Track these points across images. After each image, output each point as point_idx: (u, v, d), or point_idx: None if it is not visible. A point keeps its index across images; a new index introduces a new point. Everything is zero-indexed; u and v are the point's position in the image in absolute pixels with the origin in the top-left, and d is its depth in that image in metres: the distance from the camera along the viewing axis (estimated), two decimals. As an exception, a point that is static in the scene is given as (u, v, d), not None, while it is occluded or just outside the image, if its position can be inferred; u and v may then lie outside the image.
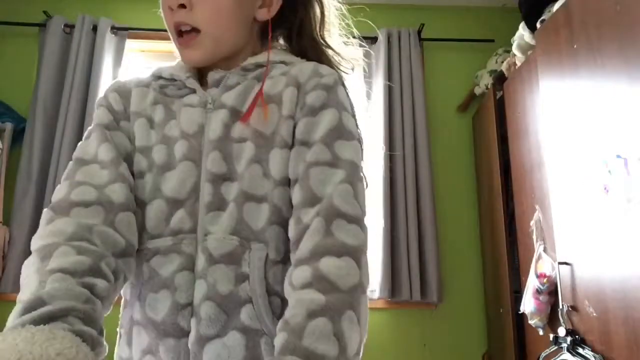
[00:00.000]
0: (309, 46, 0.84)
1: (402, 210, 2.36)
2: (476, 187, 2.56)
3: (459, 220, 2.53)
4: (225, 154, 0.72)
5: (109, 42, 2.52)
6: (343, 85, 0.77)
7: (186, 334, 0.67)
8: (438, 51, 2.70)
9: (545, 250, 1.77)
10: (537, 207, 1.85)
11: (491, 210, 2.33)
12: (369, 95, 2.58)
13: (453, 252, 2.48)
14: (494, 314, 2.30)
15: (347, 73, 0.85)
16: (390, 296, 2.26)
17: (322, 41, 0.85)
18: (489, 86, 2.40)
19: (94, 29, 2.53)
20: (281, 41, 0.88)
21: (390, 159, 2.42)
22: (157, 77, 0.81)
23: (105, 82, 2.44)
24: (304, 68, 0.76)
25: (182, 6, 0.73)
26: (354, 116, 0.76)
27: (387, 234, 2.32)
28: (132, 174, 0.74)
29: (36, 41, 2.57)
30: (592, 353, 1.41)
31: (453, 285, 2.44)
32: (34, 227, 1.83)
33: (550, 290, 1.69)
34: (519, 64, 2.12)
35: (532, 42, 1.95)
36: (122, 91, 0.80)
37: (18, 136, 2.41)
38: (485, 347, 2.38)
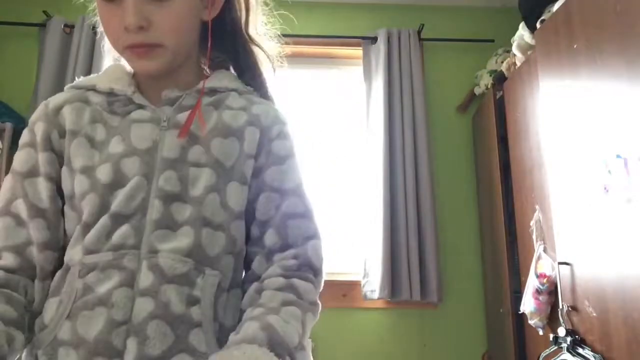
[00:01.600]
0: (241, 49, 0.84)
1: (402, 210, 2.36)
2: (476, 187, 2.56)
3: (459, 220, 2.53)
4: (180, 175, 0.72)
5: (109, 42, 2.52)
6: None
7: (119, 354, 0.64)
8: (438, 51, 2.70)
9: (545, 250, 1.77)
10: (537, 207, 1.85)
11: (491, 210, 2.33)
12: (369, 95, 2.58)
13: (453, 252, 2.48)
14: (494, 314, 2.30)
15: (273, 73, 0.87)
16: (390, 296, 2.26)
17: (251, 40, 0.85)
18: (488, 86, 2.40)
19: (94, 29, 2.52)
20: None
21: (390, 158, 2.42)
22: (90, 89, 0.79)
23: (105, 82, 2.44)
24: (266, 111, 0.80)
25: (140, 27, 0.71)
26: (299, 160, 0.82)
27: (387, 234, 2.31)
28: (64, 194, 0.75)
29: (36, 41, 2.57)
30: (592, 353, 1.41)
31: (453, 285, 2.44)
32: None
33: (550, 290, 1.69)
34: (519, 64, 2.12)
35: (532, 42, 1.95)
36: (50, 116, 0.78)
37: (18, 136, 2.39)
38: (485, 347, 2.38)
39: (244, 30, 0.84)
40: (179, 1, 0.72)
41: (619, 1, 1.33)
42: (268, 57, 0.86)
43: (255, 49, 0.85)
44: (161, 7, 0.71)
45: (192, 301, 0.68)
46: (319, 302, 0.73)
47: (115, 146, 0.73)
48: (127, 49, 0.74)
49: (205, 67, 0.84)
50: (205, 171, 0.73)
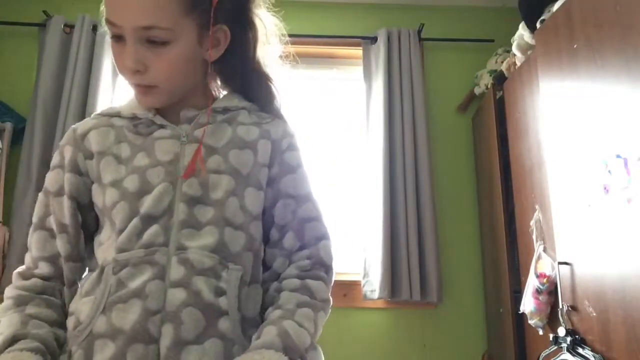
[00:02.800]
0: (249, 84, 0.91)
1: (402, 210, 2.36)
2: (476, 187, 2.56)
3: (459, 220, 2.53)
4: (201, 181, 0.81)
5: (109, 42, 2.51)
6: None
7: (154, 340, 0.72)
8: (438, 51, 2.70)
9: (545, 250, 1.77)
10: (537, 207, 1.85)
11: (491, 210, 2.33)
12: (369, 95, 2.58)
13: (453, 252, 2.48)
14: (494, 314, 2.30)
15: (285, 105, 0.96)
16: (390, 296, 2.26)
17: (261, 73, 0.92)
18: (488, 86, 2.40)
19: (94, 29, 2.52)
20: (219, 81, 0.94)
21: (390, 159, 2.42)
22: (114, 116, 0.88)
23: (105, 82, 2.44)
24: (275, 126, 0.90)
25: (137, 71, 0.79)
26: (307, 169, 0.93)
27: (387, 234, 2.31)
28: (93, 207, 0.85)
29: (36, 41, 2.56)
30: (592, 353, 1.41)
31: (453, 285, 2.44)
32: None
33: (550, 290, 1.69)
34: (518, 64, 2.12)
35: (532, 42, 1.95)
36: (78, 140, 0.86)
37: (18, 136, 2.41)
38: (485, 347, 2.38)
39: (254, 66, 0.91)
40: (175, 49, 0.78)
41: (618, 1, 1.33)
42: (277, 90, 0.94)
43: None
44: (158, 54, 0.78)
45: (220, 292, 0.76)
46: (330, 298, 0.85)
47: (141, 160, 0.82)
48: (131, 85, 0.83)
49: (217, 92, 0.94)
50: (225, 177, 0.82)
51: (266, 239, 0.88)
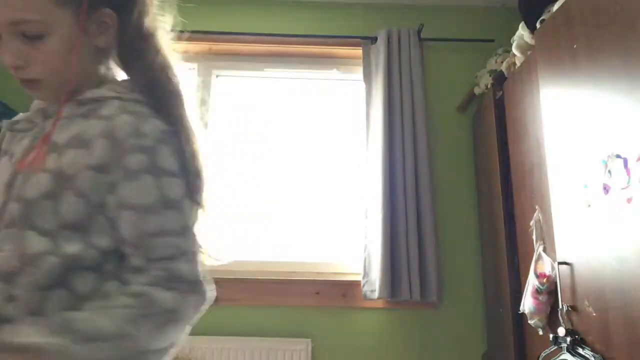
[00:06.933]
0: (139, 69, 0.85)
1: (402, 210, 2.36)
2: (476, 187, 2.56)
3: (459, 220, 2.53)
4: (25, 180, 0.76)
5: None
6: (167, 140, 0.78)
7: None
8: (438, 51, 2.70)
9: (545, 250, 1.77)
10: (537, 207, 1.85)
11: (491, 211, 2.33)
12: (368, 95, 2.58)
13: (453, 252, 2.48)
14: (493, 314, 2.30)
15: (179, 81, 0.87)
16: (390, 296, 2.26)
17: (154, 59, 0.86)
18: (488, 86, 2.39)
19: (94, 28, 2.52)
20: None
21: (390, 158, 2.42)
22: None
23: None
24: (126, 123, 0.77)
25: (19, 66, 0.78)
26: (175, 175, 0.78)
27: (386, 234, 2.31)
28: None
29: (36, 41, 2.56)
30: (592, 353, 1.40)
31: (453, 285, 2.44)
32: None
33: (550, 290, 1.69)
34: (518, 64, 2.12)
35: (532, 42, 1.95)
36: None
37: (18, 136, 2.41)
38: (485, 347, 2.38)
39: (148, 52, 0.86)
40: (53, 41, 0.77)
41: (618, 1, 1.33)
42: (170, 79, 0.86)
43: (163, 63, 0.87)
44: (35, 47, 0.77)
45: (10, 298, 0.72)
46: (186, 310, 0.75)
47: (3, 160, 0.83)
48: (19, 81, 0.81)
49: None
50: (44, 178, 0.75)
51: (112, 252, 0.79)
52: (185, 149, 0.80)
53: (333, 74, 2.77)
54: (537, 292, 1.71)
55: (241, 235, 2.54)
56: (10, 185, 0.77)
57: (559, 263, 1.59)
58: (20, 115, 0.89)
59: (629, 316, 1.27)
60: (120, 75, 0.89)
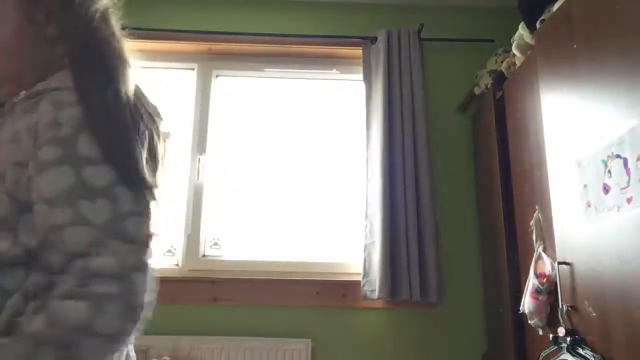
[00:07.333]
0: (78, 53, 0.81)
1: (401, 210, 2.36)
2: (476, 187, 2.56)
3: (459, 220, 2.53)
4: None
5: None
6: (89, 128, 0.73)
7: None
8: (438, 51, 2.70)
9: (545, 250, 1.77)
10: (537, 207, 1.85)
11: (491, 210, 2.33)
12: (368, 95, 2.58)
13: (453, 252, 2.48)
14: (493, 314, 2.30)
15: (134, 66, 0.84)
16: (390, 296, 2.26)
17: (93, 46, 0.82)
18: (488, 86, 2.39)
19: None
20: None
21: (390, 159, 2.42)
22: None
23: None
24: (44, 112, 0.74)
25: None
26: (97, 162, 0.73)
27: (386, 234, 2.31)
28: None
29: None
30: (592, 353, 1.40)
31: (453, 285, 2.44)
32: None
33: (550, 290, 1.69)
34: (518, 64, 2.12)
35: (532, 42, 1.95)
36: None
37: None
38: (484, 347, 2.38)
39: (90, 40, 0.82)
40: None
41: (619, 1, 1.33)
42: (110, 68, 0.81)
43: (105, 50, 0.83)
44: None
45: None
46: (91, 323, 0.66)
47: None
48: None
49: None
50: None
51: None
52: (106, 134, 0.74)
53: (333, 74, 2.77)
54: (537, 292, 1.71)
55: (241, 235, 2.54)
56: None
57: (559, 263, 1.59)
58: None
59: (629, 316, 1.27)
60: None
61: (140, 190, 0.76)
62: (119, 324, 0.68)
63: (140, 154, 0.77)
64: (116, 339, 0.69)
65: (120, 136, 0.75)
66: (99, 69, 0.79)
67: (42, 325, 0.65)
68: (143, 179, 0.76)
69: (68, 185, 0.71)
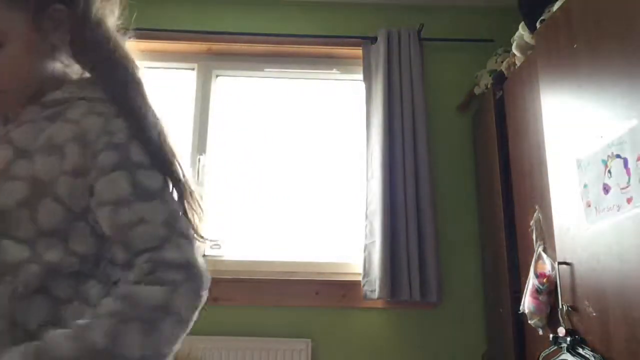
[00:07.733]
0: (99, 63, 0.84)
1: (401, 210, 2.36)
2: (476, 187, 2.56)
3: (459, 220, 2.53)
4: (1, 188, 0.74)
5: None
6: (136, 136, 0.78)
7: None
8: (438, 51, 2.70)
9: (545, 250, 1.77)
10: (537, 207, 1.85)
11: (491, 210, 2.33)
12: (368, 95, 2.58)
13: (453, 252, 2.48)
14: (493, 314, 2.30)
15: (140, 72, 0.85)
16: (390, 296, 2.26)
17: (112, 54, 0.84)
18: (488, 86, 2.39)
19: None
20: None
21: (390, 158, 2.42)
22: None
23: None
24: (93, 124, 0.77)
25: None
26: (151, 167, 0.78)
27: (386, 234, 2.31)
28: None
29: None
30: (592, 353, 1.41)
31: (453, 285, 2.44)
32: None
33: (550, 290, 1.69)
34: (518, 64, 2.12)
35: (532, 42, 1.95)
36: None
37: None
38: (484, 347, 2.38)
39: (103, 46, 0.83)
40: (11, 48, 0.75)
41: (619, 1, 1.33)
42: (131, 74, 0.84)
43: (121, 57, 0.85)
44: None
45: None
46: (175, 305, 0.70)
47: None
48: None
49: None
50: (18, 185, 0.74)
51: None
52: (151, 141, 0.79)
53: (333, 74, 2.77)
54: (537, 292, 1.71)
55: (241, 235, 2.54)
56: None
57: (559, 263, 1.59)
58: None
59: (629, 316, 1.27)
60: (76, 70, 0.87)
61: (180, 192, 0.82)
62: (191, 309, 0.73)
63: (176, 157, 0.82)
64: (187, 324, 0.73)
65: (160, 144, 0.80)
66: (130, 81, 0.83)
67: (124, 305, 0.68)
68: (182, 181, 0.82)
69: (127, 187, 0.75)
